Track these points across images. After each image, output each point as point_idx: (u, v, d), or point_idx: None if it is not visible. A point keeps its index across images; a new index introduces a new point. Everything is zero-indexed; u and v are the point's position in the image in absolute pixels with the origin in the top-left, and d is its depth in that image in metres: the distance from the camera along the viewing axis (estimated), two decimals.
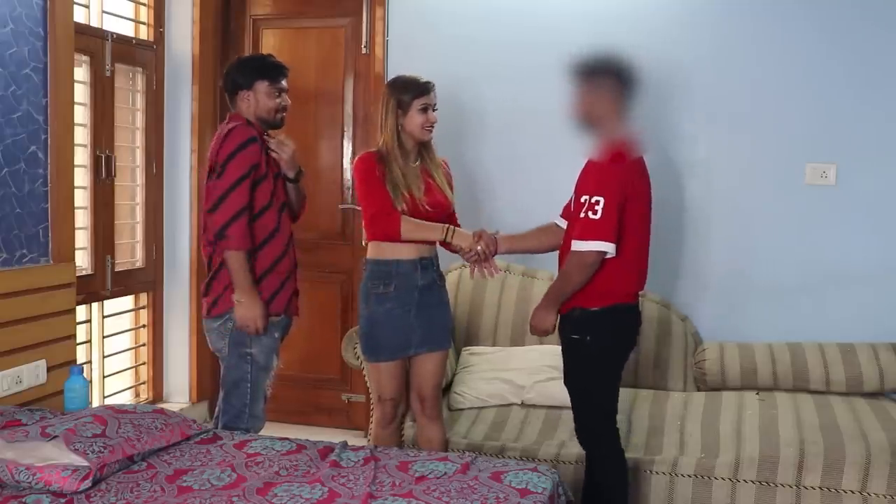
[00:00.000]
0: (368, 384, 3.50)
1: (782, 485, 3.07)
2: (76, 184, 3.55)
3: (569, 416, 3.52)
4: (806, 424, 3.33)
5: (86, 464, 2.36)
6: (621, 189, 2.79)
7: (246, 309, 2.99)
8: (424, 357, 3.19)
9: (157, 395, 4.49)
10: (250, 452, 2.65)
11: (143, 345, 4.43)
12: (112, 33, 4.01)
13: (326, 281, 4.52)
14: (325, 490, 2.36)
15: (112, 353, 4.21)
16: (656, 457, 3.20)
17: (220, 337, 3.08)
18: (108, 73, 3.99)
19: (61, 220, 3.34)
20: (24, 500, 2.28)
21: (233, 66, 3.17)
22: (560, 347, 3.01)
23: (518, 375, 3.70)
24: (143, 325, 4.42)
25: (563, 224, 3.07)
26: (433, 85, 3.13)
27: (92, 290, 3.94)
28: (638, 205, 2.87)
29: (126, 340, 4.37)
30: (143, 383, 4.44)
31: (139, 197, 4.32)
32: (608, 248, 2.77)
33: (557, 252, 3.06)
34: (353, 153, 4.41)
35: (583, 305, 2.87)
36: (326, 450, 2.68)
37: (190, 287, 4.46)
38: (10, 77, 3.10)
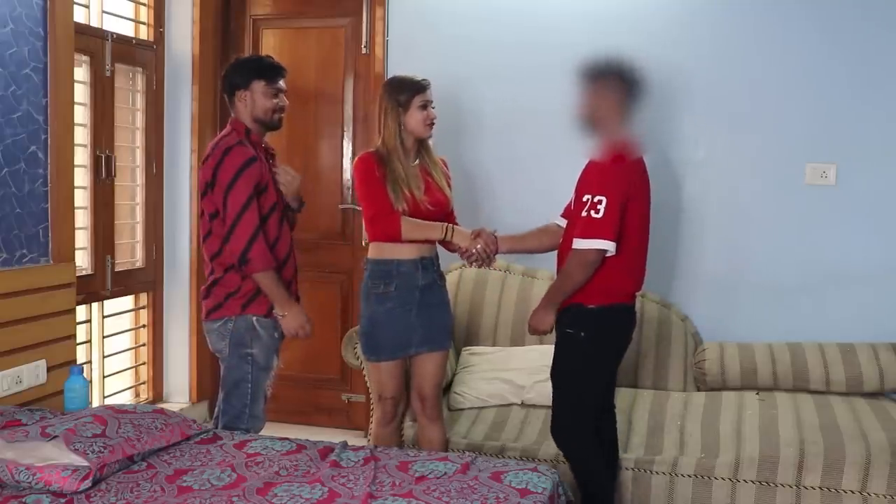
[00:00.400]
0: (368, 383, 3.50)
1: (782, 485, 3.07)
2: (76, 184, 3.55)
3: None
4: (806, 424, 3.33)
5: (86, 464, 2.36)
6: (624, 189, 2.82)
7: (291, 321, 3.05)
8: (425, 357, 3.19)
9: (157, 395, 4.49)
10: (250, 452, 2.65)
11: (143, 345, 4.43)
12: (112, 33, 4.00)
13: (326, 281, 4.52)
14: (325, 490, 2.36)
15: (112, 353, 4.21)
16: (656, 457, 3.20)
17: (220, 338, 3.08)
18: (108, 73, 3.99)
19: (61, 220, 3.34)
20: (24, 500, 2.28)
21: (230, 67, 3.17)
22: (553, 349, 3.02)
23: (518, 375, 3.70)
24: (143, 325, 4.42)
25: (564, 224, 3.07)
26: (429, 82, 3.14)
27: (92, 290, 3.94)
28: (639, 205, 2.89)
29: (126, 340, 4.37)
30: (143, 383, 4.44)
31: (139, 197, 4.32)
32: (609, 246, 2.80)
33: (557, 252, 3.07)
34: (353, 153, 4.41)
35: (581, 302, 2.90)
36: (326, 450, 2.68)
37: (190, 287, 4.46)
38: (10, 77, 3.10)
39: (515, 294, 4.01)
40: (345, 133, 4.51)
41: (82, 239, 3.83)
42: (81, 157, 3.81)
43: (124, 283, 4.20)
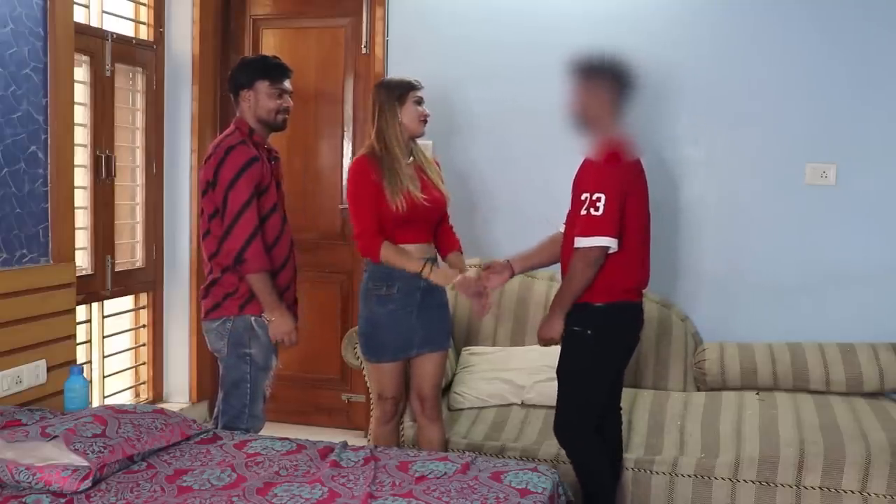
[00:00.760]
0: (368, 383, 3.50)
1: (782, 485, 3.07)
2: (76, 184, 3.55)
3: None
4: (806, 424, 3.33)
5: (86, 464, 2.36)
6: (621, 186, 2.82)
7: (278, 326, 3.03)
8: (425, 357, 3.19)
9: (157, 395, 4.49)
10: (250, 452, 2.65)
11: (143, 345, 4.43)
12: (112, 33, 4.00)
13: (326, 281, 4.52)
14: (325, 490, 2.36)
15: (112, 353, 4.21)
16: (656, 457, 3.20)
17: (218, 337, 3.08)
18: (108, 73, 3.99)
19: (61, 220, 3.34)
20: (24, 500, 2.28)
21: (236, 66, 3.17)
22: (560, 347, 3.02)
23: (518, 375, 3.70)
24: (143, 325, 4.42)
25: None
26: (420, 83, 3.14)
27: (92, 290, 3.94)
28: (637, 203, 2.90)
29: (126, 340, 4.37)
30: (143, 383, 4.44)
31: (139, 197, 4.32)
32: (611, 242, 2.80)
33: (560, 256, 3.05)
34: (353, 153, 4.41)
35: (587, 300, 2.89)
36: (326, 450, 2.68)
37: (190, 287, 4.46)
38: (10, 77, 3.10)
39: (515, 294, 4.01)
40: (345, 133, 4.51)
41: (82, 239, 3.83)
42: (81, 157, 3.80)
43: (124, 283, 4.20)
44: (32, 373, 3.15)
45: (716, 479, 3.11)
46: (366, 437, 4.10)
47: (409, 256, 3.08)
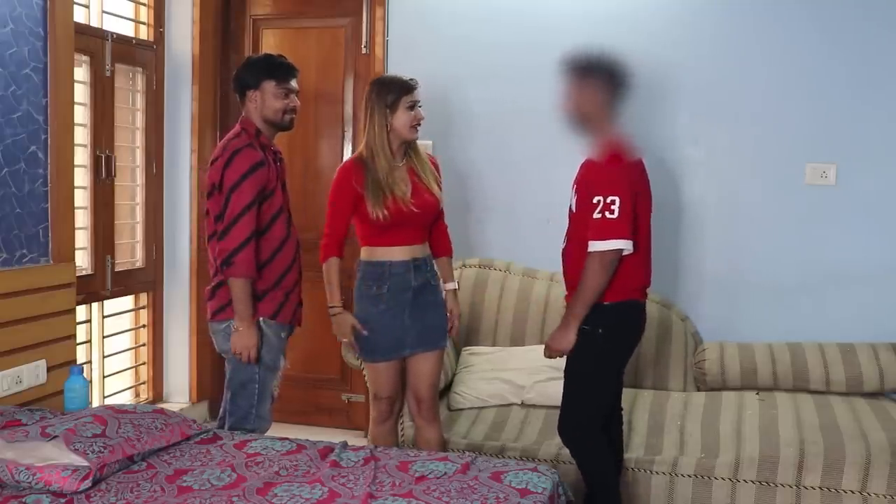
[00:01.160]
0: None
1: (782, 485, 3.07)
2: (76, 184, 3.55)
3: None
4: (806, 424, 3.33)
5: (86, 464, 2.36)
6: (631, 186, 2.82)
7: (241, 338, 2.99)
8: (419, 357, 3.18)
9: (157, 395, 4.49)
10: (250, 452, 2.65)
11: (143, 345, 4.43)
12: (112, 33, 4.00)
13: None
14: (325, 490, 2.36)
15: (112, 353, 4.21)
16: (656, 457, 3.20)
17: (226, 339, 3.05)
18: (108, 73, 3.99)
19: (61, 220, 3.34)
20: (24, 500, 2.28)
21: (242, 66, 3.13)
22: None
23: (518, 375, 3.70)
24: (143, 325, 4.42)
25: None
26: (417, 82, 3.11)
27: (92, 290, 3.94)
28: (644, 202, 2.90)
29: (126, 340, 4.37)
30: (143, 383, 4.44)
31: (139, 197, 4.32)
32: (626, 245, 2.79)
33: (560, 252, 3.03)
34: (353, 153, 4.41)
35: (598, 300, 2.87)
36: (326, 450, 2.68)
37: (190, 287, 4.46)
38: (10, 77, 3.10)
39: (515, 294, 4.01)
40: (345, 133, 4.51)
41: (82, 239, 3.83)
42: (81, 157, 3.81)
43: (124, 283, 4.20)
44: (32, 373, 3.15)
45: (716, 479, 3.11)
46: (366, 436, 4.10)
47: (332, 290, 3.10)
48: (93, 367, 4.04)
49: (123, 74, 4.17)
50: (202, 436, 2.80)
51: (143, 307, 4.41)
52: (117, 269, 4.11)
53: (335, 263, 3.11)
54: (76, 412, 2.81)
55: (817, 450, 3.11)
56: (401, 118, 3.05)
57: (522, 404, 3.66)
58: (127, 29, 4.23)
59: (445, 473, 2.48)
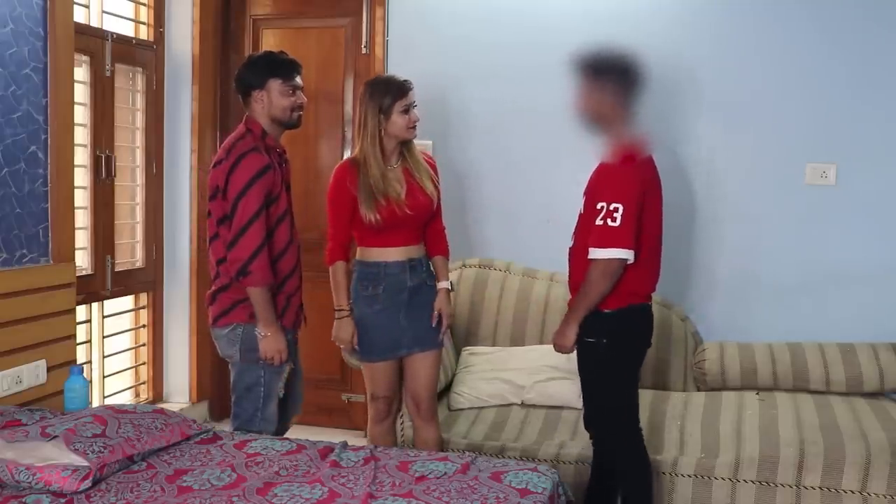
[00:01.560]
0: None
1: (782, 485, 3.07)
2: (76, 184, 3.55)
3: (569, 415, 3.54)
4: (806, 424, 3.33)
5: (86, 464, 2.36)
6: (639, 193, 2.76)
7: (270, 343, 2.97)
8: (416, 357, 3.18)
9: (157, 395, 4.49)
10: (250, 452, 2.65)
11: (143, 345, 4.43)
12: (112, 33, 4.00)
13: (327, 281, 4.45)
14: (325, 490, 2.36)
15: (112, 353, 4.21)
16: (656, 457, 3.19)
17: (230, 344, 3.03)
18: (108, 73, 3.99)
19: (61, 220, 3.34)
20: (24, 500, 2.28)
21: (244, 66, 3.06)
22: (577, 357, 2.98)
23: (518, 375, 3.70)
24: (143, 325, 4.42)
25: None
26: (412, 84, 3.09)
27: (92, 290, 3.94)
28: (652, 205, 2.84)
29: (126, 340, 4.37)
30: (143, 383, 4.44)
31: (139, 197, 4.32)
32: (628, 254, 2.74)
33: (567, 251, 3.00)
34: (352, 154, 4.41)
35: (597, 308, 2.83)
36: (326, 450, 2.68)
37: (190, 287, 4.46)
38: (10, 77, 3.10)
39: (515, 294, 4.01)
40: (345, 133, 4.51)
41: (82, 239, 3.83)
42: (81, 157, 3.80)
43: (124, 283, 4.20)
44: (32, 373, 3.15)
45: (716, 479, 3.11)
46: (365, 436, 4.10)
47: (339, 293, 3.11)
48: (93, 367, 4.04)
49: (123, 74, 4.17)
50: (202, 436, 2.80)
51: (143, 307, 4.41)
52: (117, 269, 4.11)
53: (341, 267, 3.11)
54: (76, 412, 2.81)
55: (817, 450, 3.11)
56: (396, 122, 3.04)
57: (522, 404, 3.66)
58: (127, 29, 4.23)
59: (445, 473, 2.48)
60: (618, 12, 3.98)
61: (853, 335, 3.80)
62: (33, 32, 3.19)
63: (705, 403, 3.62)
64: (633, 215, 2.73)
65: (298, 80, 3.04)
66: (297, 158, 4.44)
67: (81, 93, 3.80)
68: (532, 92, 4.04)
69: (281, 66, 3.01)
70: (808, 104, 3.86)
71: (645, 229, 2.80)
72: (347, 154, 4.48)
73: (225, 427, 3.11)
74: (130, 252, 4.29)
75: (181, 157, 4.44)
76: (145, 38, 4.30)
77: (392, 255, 3.10)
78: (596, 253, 2.76)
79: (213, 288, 3.05)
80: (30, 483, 2.32)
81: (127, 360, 4.39)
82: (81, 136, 3.81)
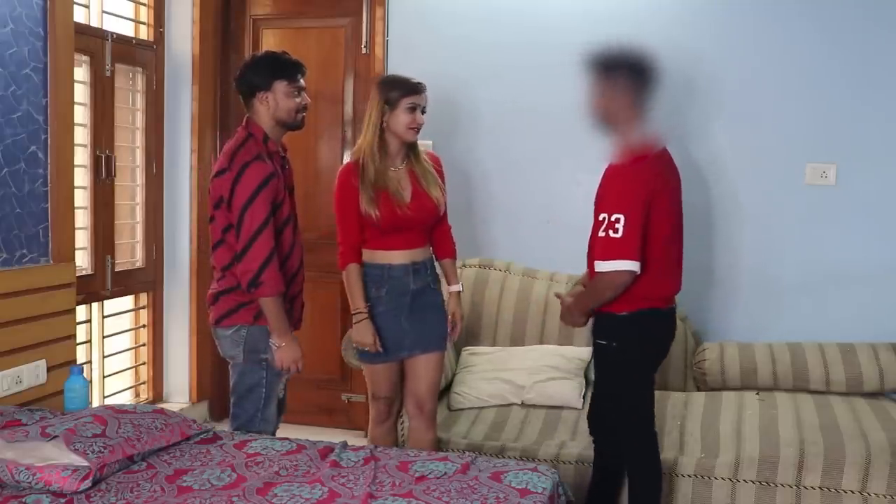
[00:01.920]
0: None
1: (782, 485, 3.07)
2: (76, 184, 3.55)
3: (569, 415, 3.54)
4: (806, 424, 3.32)
5: (86, 464, 2.36)
6: (642, 198, 2.68)
7: (286, 353, 2.94)
8: (418, 359, 3.17)
9: (157, 395, 4.49)
10: (250, 452, 2.65)
11: (143, 345, 4.43)
12: (112, 33, 4.01)
13: (326, 281, 4.51)
14: (325, 490, 2.36)
15: (112, 353, 4.21)
16: None
17: (233, 345, 3.00)
18: (108, 73, 3.99)
19: (61, 220, 3.34)
20: (24, 500, 2.28)
21: (247, 67, 3.00)
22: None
23: (518, 375, 3.70)
24: (143, 326, 4.42)
25: None
26: (425, 86, 3.07)
27: (92, 290, 3.94)
28: (665, 204, 2.76)
29: (126, 340, 4.37)
30: (143, 383, 4.44)
31: (139, 197, 4.32)
32: (633, 266, 2.67)
33: (586, 253, 2.94)
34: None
35: (610, 310, 2.80)
36: (326, 450, 2.68)
37: (190, 287, 4.46)
38: (10, 77, 3.10)
39: (515, 294, 4.01)
40: (345, 133, 4.51)
41: (82, 239, 3.83)
42: (81, 157, 3.80)
43: (124, 283, 4.20)
44: (32, 373, 3.15)
45: (716, 479, 3.11)
46: (366, 436, 4.10)
47: (356, 296, 3.09)
48: (93, 367, 4.04)
49: (123, 74, 4.17)
50: (202, 436, 2.80)
51: (143, 307, 4.41)
52: (117, 269, 4.11)
53: (355, 270, 3.10)
54: (76, 412, 2.81)
55: (817, 450, 3.11)
56: (399, 117, 3.03)
57: (522, 404, 3.66)
58: (127, 29, 4.23)
59: (445, 473, 2.48)
60: (618, 12, 3.98)
61: (853, 335, 3.80)
62: (33, 32, 3.19)
63: (705, 403, 3.62)
64: (636, 224, 2.66)
65: (302, 81, 3.00)
66: (297, 159, 4.40)
67: (81, 93, 3.80)
68: (532, 92, 4.04)
69: (286, 68, 2.96)
70: (808, 104, 3.86)
71: (653, 233, 2.72)
72: (347, 154, 4.49)
73: (224, 427, 3.11)
74: (130, 252, 4.29)
75: (181, 157, 4.45)
76: (145, 38, 4.30)
77: (396, 257, 3.10)
78: (601, 266, 2.72)
79: (217, 289, 3.02)
80: (30, 483, 2.32)
81: (127, 360, 4.39)
82: (81, 136, 3.81)
